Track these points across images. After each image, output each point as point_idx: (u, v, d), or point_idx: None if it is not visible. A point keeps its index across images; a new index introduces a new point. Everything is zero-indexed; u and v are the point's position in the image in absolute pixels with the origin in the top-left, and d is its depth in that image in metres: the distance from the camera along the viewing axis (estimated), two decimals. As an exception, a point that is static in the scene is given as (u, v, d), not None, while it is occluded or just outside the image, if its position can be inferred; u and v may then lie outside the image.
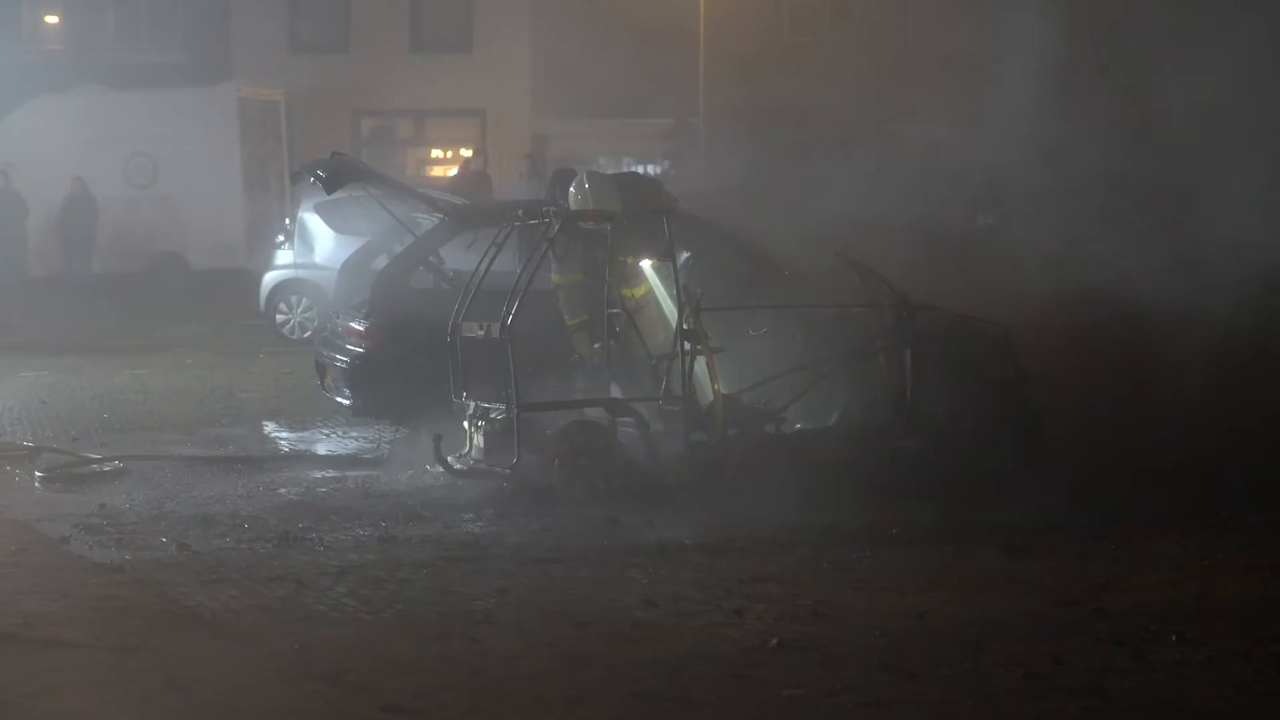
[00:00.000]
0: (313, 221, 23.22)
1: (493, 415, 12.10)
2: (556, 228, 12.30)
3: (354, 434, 15.16)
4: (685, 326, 11.95)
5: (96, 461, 13.58)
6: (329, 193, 14.92)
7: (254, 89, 31.48)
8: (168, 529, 11.08)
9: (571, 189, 12.65)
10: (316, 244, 23.23)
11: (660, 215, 12.21)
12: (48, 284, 28.75)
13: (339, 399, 14.87)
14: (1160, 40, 14.38)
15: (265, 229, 28.03)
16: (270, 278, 23.98)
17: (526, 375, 11.96)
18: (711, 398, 12.09)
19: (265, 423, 16.14)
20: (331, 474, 13.22)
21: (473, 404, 12.33)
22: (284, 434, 15.58)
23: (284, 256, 23.88)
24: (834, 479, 11.53)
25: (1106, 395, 12.41)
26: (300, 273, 23.44)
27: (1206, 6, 14.29)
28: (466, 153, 36.03)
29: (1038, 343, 12.34)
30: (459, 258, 14.17)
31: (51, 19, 38.37)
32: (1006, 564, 9.98)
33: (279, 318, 23.64)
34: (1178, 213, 14.30)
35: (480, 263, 12.77)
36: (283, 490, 12.53)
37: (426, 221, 15.19)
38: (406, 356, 13.66)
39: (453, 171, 36.09)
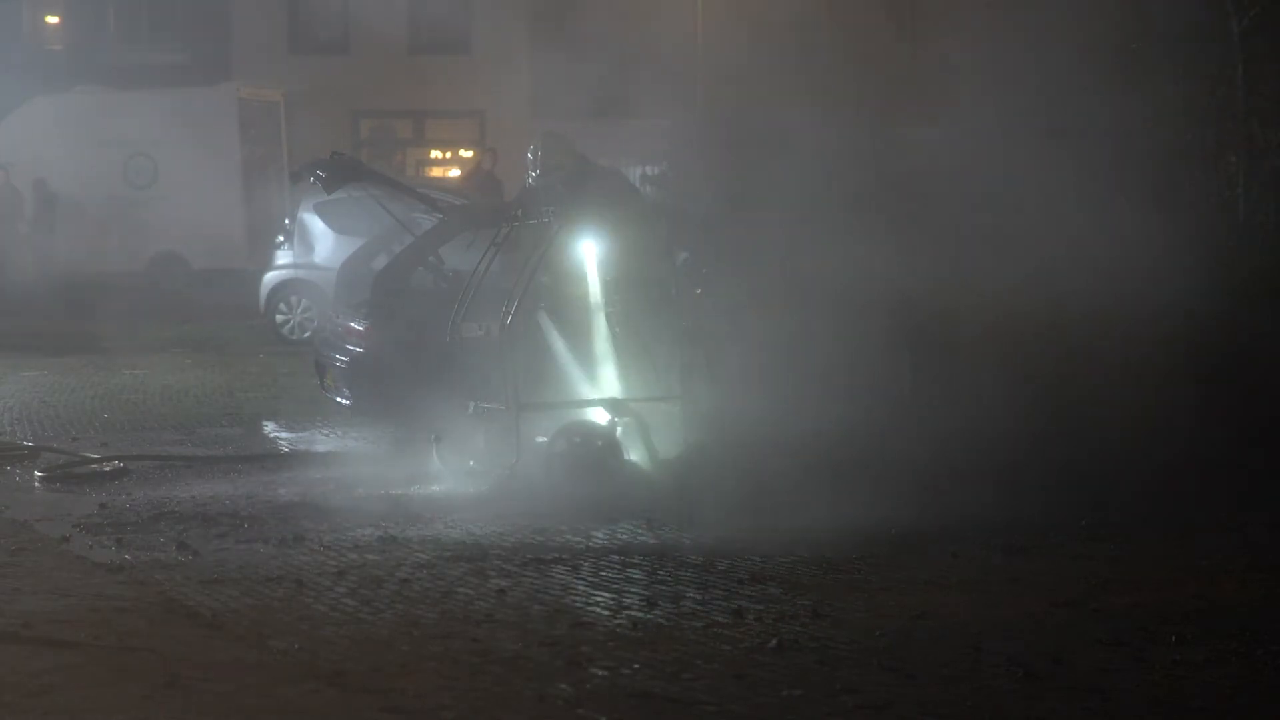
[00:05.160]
0: (313, 221, 23.23)
1: (492, 415, 12.11)
2: (556, 228, 12.33)
3: (354, 434, 15.16)
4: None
5: (96, 461, 13.59)
6: (329, 193, 14.94)
7: (254, 89, 31.48)
8: (168, 529, 11.09)
9: (529, 149, 12.85)
10: (316, 244, 23.24)
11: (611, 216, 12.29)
12: (45, 283, 28.76)
13: (339, 399, 14.88)
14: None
15: (265, 229, 28.03)
16: (270, 278, 23.98)
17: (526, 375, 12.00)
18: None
19: (265, 423, 16.14)
20: (331, 474, 13.21)
21: (473, 404, 12.34)
22: (284, 434, 15.59)
23: (284, 256, 23.89)
24: (833, 479, 11.54)
25: (1105, 394, 12.41)
26: (300, 273, 23.45)
27: None
28: (466, 153, 36.01)
29: (1037, 341, 12.34)
30: (459, 258, 14.18)
31: (51, 19, 38.37)
32: (1006, 564, 9.98)
33: (279, 318, 23.64)
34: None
35: (480, 263, 12.79)
36: (283, 490, 12.53)
37: (426, 221, 15.21)
38: (406, 356, 13.66)
39: (454, 172, 36.07)
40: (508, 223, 12.95)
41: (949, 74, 13.50)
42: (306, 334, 22.52)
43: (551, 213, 12.50)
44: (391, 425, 14.76)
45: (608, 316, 12.48)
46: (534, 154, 12.74)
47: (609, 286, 12.53)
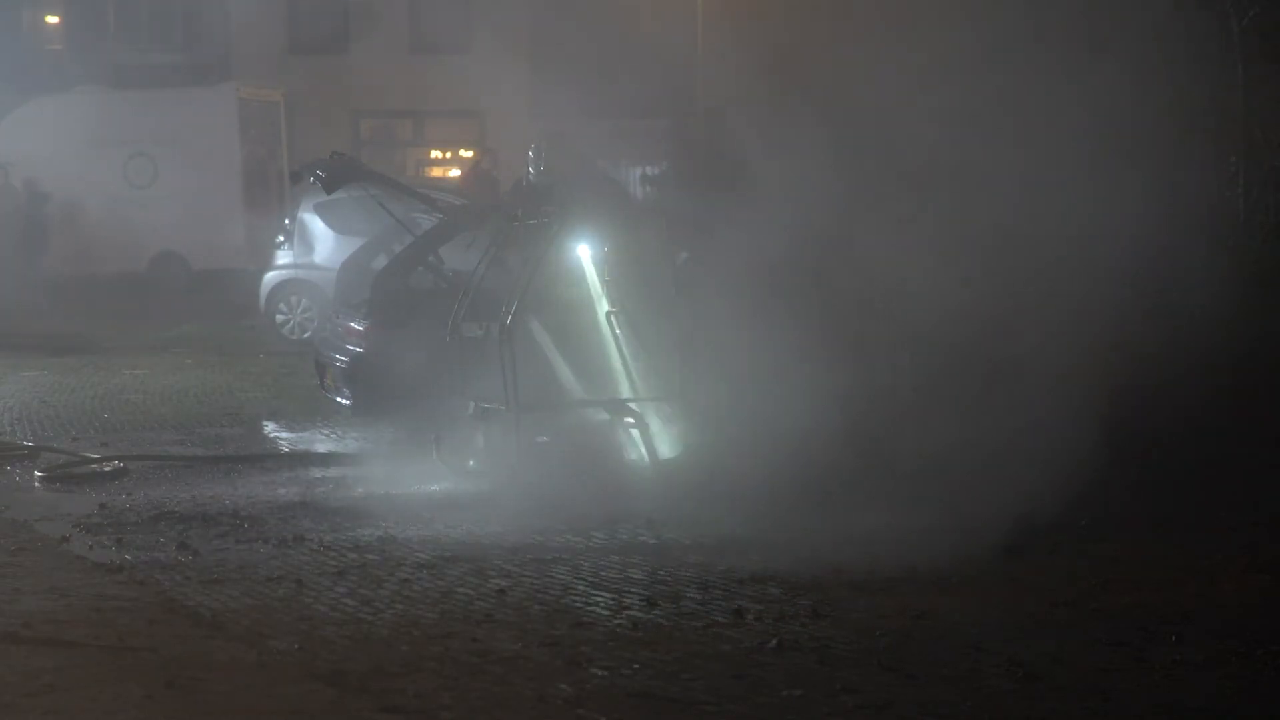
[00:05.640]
0: (312, 221, 23.24)
1: (492, 415, 12.12)
2: (556, 228, 12.35)
3: (354, 434, 15.16)
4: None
5: (96, 461, 13.59)
6: (329, 193, 14.96)
7: (254, 89, 31.49)
8: (168, 529, 11.10)
9: (531, 148, 12.95)
10: (316, 244, 23.25)
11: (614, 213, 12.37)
12: (48, 283, 28.77)
13: (339, 399, 14.88)
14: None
15: (265, 229, 28.04)
16: (270, 278, 24.00)
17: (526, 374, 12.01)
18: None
19: (265, 423, 16.15)
20: (331, 474, 13.22)
21: (473, 404, 12.34)
22: (284, 434, 15.59)
23: (284, 256, 23.90)
24: (834, 479, 11.53)
25: (1104, 394, 12.41)
26: (300, 273, 23.46)
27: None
28: (467, 153, 36.00)
29: (1035, 340, 12.33)
30: (459, 258, 14.18)
31: (51, 19, 38.39)
32: (1006, 564, 9.98)
33: (279, 318, 23.65)
34: None
35: (480, 262, 12.79)
36: (283, 490, 12.54)
37: (426, 221, 15.21)
38: (406, 356, 13.67)
39: (454, 172, 36.06)
40: (508, 222, 12.95)
41: (946, 72, 13.49)
42: (306, 334, 22.53)
43: (551, 213, 12.51)
44: (391, 425, 14.76)
45: (608, 316, 12.49)
46: (536, 154, 12.79)
47: (609, 287, 12.54)
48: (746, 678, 7.79)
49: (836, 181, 13.10)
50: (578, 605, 9.11)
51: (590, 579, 9.70)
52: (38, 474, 13.14)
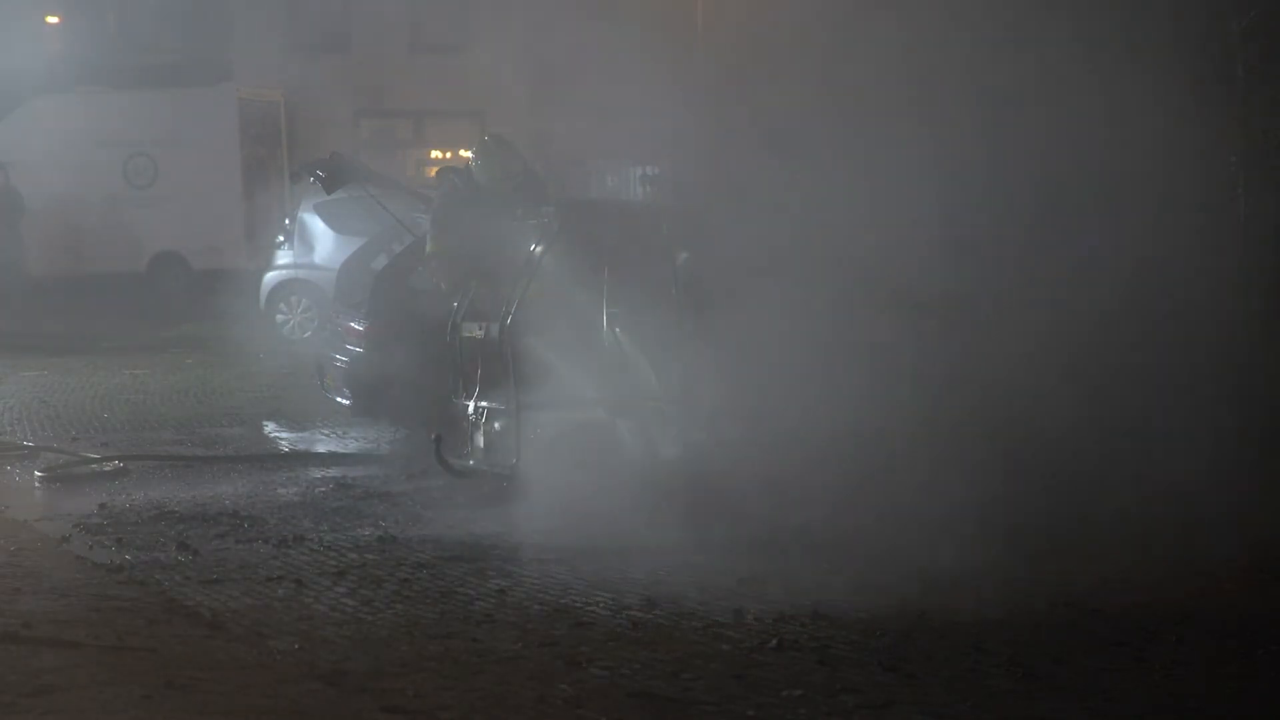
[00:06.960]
0: (312, 221, 23.26)
1: (493, 414, 12.12)
2: (556, 228, 12.35)
3: (354, 434, 15.17)
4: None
5: (96, 461, 13.59)
6: (328, 193, 14.96)
7: (254, 89, 31.50)
8: (168, 529, 11.10)
9: (471, 151, 13.09)
10: (316, 244, 23.27)
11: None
12: (48, 283, 28.75)
13: (339, 399, 14.89)
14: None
15: (265, 229, 28.04)
16: (270, 278, 24.01)
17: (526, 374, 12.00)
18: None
19: (265, 423, 16.16)
20: (331, 474, 13.23)
21: (473, 404, 12.34)
22: (284, 434, 15.60)
23: (284, 256, 23.92)
24: (834, 479, 11.53)
25: (1105, 394, 12.40)
26: (300, 273, 23.48)
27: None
28: (466, 153, 35.97)
29: (1036, 341, 12.32)
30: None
31: (51, 19, 38.39)
32: (1006, 564, 9.98)
33: (279, 318, 23.66)
34: None
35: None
36: (283, 490, 12.54)
37: (426, 222, 15.19)
38: (406, 356, 13.67)
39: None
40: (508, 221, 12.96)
41: (948, 71, 13.48)
42: (306, 334, 22.54)
43: (551, 213, 12.52)
44: (391, 425, 14.77)
45: (608, 316, 12.48)
46: (482, 153, 12.98)
47: (609, 286, 12.53)
48: (746, 678, 7.79)
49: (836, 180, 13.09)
50: (578, 605, 9.12)
51: (590, 579, 9.70)
52: (38, 474, 13.15)
